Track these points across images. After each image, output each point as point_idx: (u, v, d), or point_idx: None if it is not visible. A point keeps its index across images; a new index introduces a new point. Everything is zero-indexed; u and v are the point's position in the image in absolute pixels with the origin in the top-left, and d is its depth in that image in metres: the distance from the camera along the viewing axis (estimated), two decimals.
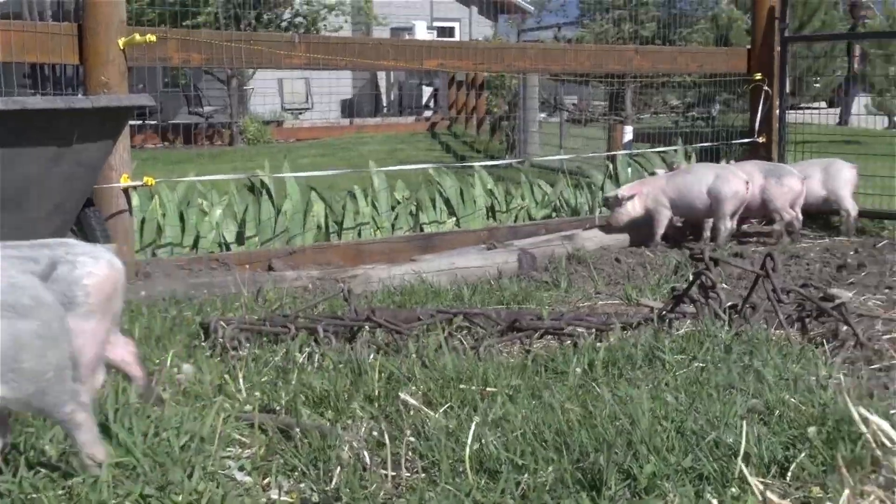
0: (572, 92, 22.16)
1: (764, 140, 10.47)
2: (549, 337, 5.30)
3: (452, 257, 7.86)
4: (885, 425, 2.69)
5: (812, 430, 3.31)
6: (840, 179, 9.13)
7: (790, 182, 8.69)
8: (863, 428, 2.86)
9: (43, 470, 3.30)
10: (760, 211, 8.92)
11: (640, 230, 8.78)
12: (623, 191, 8.83)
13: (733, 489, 3.00)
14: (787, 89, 10.69)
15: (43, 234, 5.02)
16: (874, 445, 2.84)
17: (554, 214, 10.29)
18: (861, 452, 3.04)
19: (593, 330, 5.20)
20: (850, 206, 9.09)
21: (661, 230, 8.69)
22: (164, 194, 8.31)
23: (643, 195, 8.75)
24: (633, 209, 8.75)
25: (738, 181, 8.53)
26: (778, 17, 10.42)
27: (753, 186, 8.62)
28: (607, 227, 8.86)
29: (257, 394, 4.22)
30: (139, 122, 20.45)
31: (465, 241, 8.58)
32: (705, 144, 11.19)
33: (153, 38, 7.09)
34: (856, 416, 2.86)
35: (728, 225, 8.55)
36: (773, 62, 10.42)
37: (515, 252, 7.85)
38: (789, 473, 3.15)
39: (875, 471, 2.80)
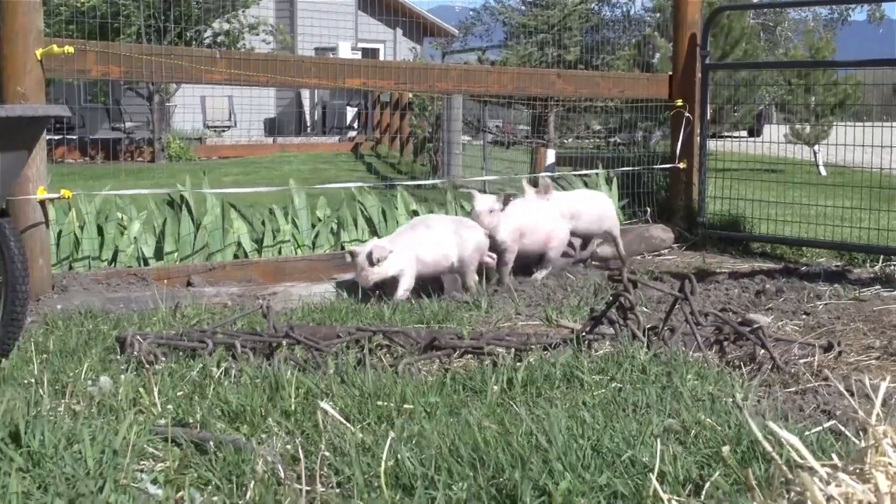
0: (496, 115, 22.27)
1: (685, 165, 10.56)
2: (469, 356, 5.29)
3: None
4: (796, 441, 2.71)
5: (726, 449, 3.33)
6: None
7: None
8: (767, 447, 2.88)
9: None
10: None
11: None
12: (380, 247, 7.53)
13: None
14: (709, 116, 10.80)
15: None
16: (780, 463, 2.86)
17: None
18: (772, 472, 3.05)
19: (513, 350, 5.21)
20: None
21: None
22: (82, 207, 8.22)
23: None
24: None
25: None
26: (699, 44, 10.53)
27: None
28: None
29: (171, 407, 4.18)
30: (59, 136, 20.27)
31: None
32: (626, 169, 11.26)
33: (71, 49, 7.03)
34: (758, 434, 2.88)
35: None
36: (695, 89, 10.53)
37: None
38: (703, 492, 3.16)
39: (787, 489, 2.82)
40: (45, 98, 7.16)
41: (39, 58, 6.90)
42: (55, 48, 6.92)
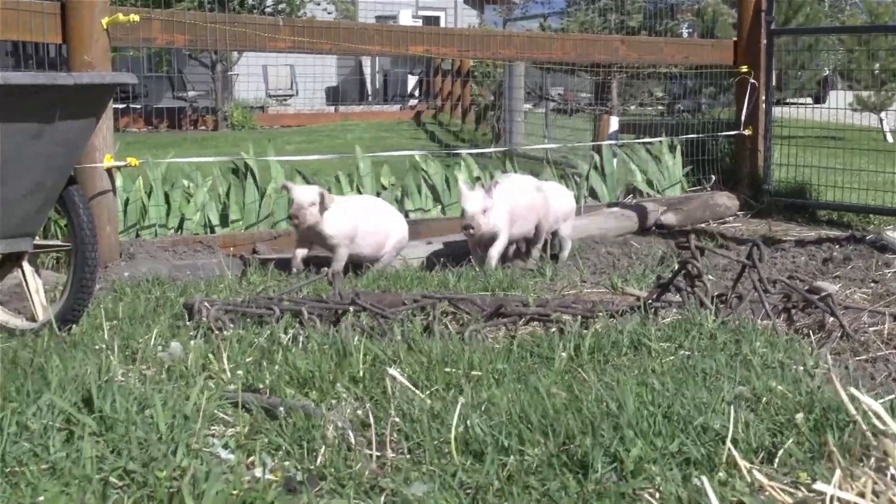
0: (558, 83, 22.17)
1: (750, 132, 10.48)
2: (535, 323, 5.28)
3: (437, 244, 7.85)
4: (878, 407, 2.68)
5: (800, 416, 3.30)
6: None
7: None
8: (852, 410, 2.85)
9: (27, 444, 3.28)
10: None
11: None
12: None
13: (721, 473, 2.99)
14: (773, 83, 10.71)
15: (25, 211, 5.00)
16: (864, 429, 2.83)
17: None
18: (849, 440, 3.03)
19: (579, 317, 5.19)
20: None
21: None
22: (148, 175, 8.27)
23: None
24: None
25: None
26: (764, 10, 10.43)
27: None
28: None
29: (240, 373, 4.20)
30: (123, 105, 20.38)
31: (450, 229, 8.56)
32: (690, 136, 11.18)
33: (136, 17, 7.05)
34: (845, 398, 2.84)
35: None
36: (760, 55, 10.43)
37: None
38: (777, 459, 3.14)
39: (865, 455, 2.79)
40: (111, 68, 7.20)
41: (105, 27, 6.93)
42: (121, 17, 6.95)
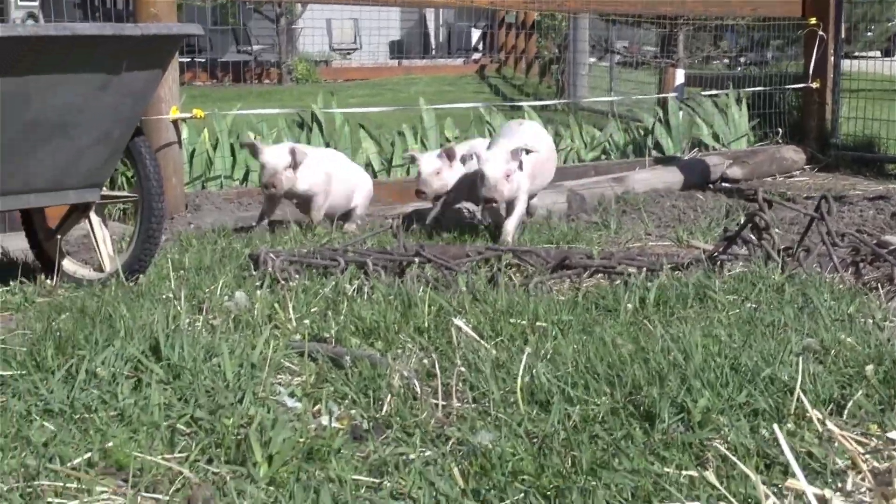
0: (623, 35, 21.99)
1: (818, 85, 10.35)
2: (599, 276, 5.26)
3: None
4: None
5: (870, 368, 3.28)
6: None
7: None
8: None
9: (95, 391, 3.31)
10: None
11: None
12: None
13: (789, 424, 2.97)
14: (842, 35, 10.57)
15: (93, 162, 5.04)
16: None
17: (603, 157, 10.24)
18: None
19: (644, 270, 5.16)
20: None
21: None
22: (214, 127, 8.30)
23: None
24: None
25: None
26: None
27: None
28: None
29: (307, 322, 4.21)
30: (188, 58, 20.44)
31: None
32: (757, 89, 11.07)
33: None
34: None
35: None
36: (829, 7, 10.29)
37: (564, 193, 7.80)
38: (846, 411, 3.12)
39: None
40: (177, 20, 7.22)
41: None
42: None
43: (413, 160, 7.50)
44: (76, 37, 4.60)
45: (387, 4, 8.34)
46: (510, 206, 6.40)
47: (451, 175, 6.96)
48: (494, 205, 6.34)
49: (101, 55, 4.72)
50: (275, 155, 6.68)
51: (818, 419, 2.90)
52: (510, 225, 6.39)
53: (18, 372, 3.59)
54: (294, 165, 6.66)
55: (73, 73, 4.64)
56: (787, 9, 10.75)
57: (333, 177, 6.98)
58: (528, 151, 6.37)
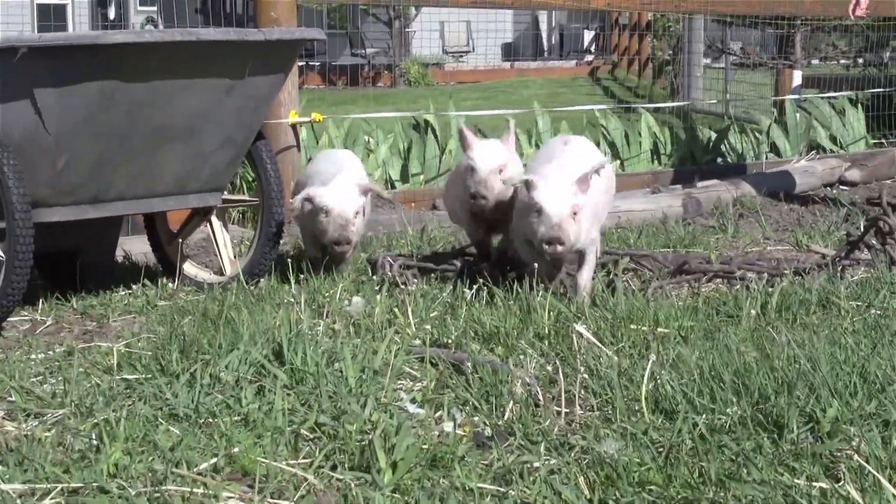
0: (737, 37, 21.75)
1: None
2: (718, 281, 5.20)
3: (617, 200, 7.77)
4: None
5: None
6: None
7: None
8: None
9: (220, 396, 3.34)
10: None
11: None
12: None
13: None
14: None
15: (215, 166, 5.09)
16: None
17: (718, 160, 10.13)
18: None
19: (764, 275, 5.10)
20: None
21: None
22: (331, 131, 8.35)
23: None
24: None
25: None
26: None
27: None
28: None
29: (427, 327, 4.21)
30: (303, 62, 20.60)
31: (629, 185, 8.46)
32: (877, 90, 10.88)
33: None
34: None
35: None
36: None
37: (680, 196, 7.74)
38: None
39: None
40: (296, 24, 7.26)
41: None
42: None
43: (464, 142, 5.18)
44: (202, 42, 4.65)
45: (503, 6, 8.30)
46: (581, 254, 4.82)
47: (516, 169, 5.13)
48: (560, 248, 4.49)
49: (226, 60, 4.77)
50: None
51: None
52: (585, 276, 4.83)
53: (144, 376, 3.65)
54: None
55: (199, 79, 4.69)
56: None
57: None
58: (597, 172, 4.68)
